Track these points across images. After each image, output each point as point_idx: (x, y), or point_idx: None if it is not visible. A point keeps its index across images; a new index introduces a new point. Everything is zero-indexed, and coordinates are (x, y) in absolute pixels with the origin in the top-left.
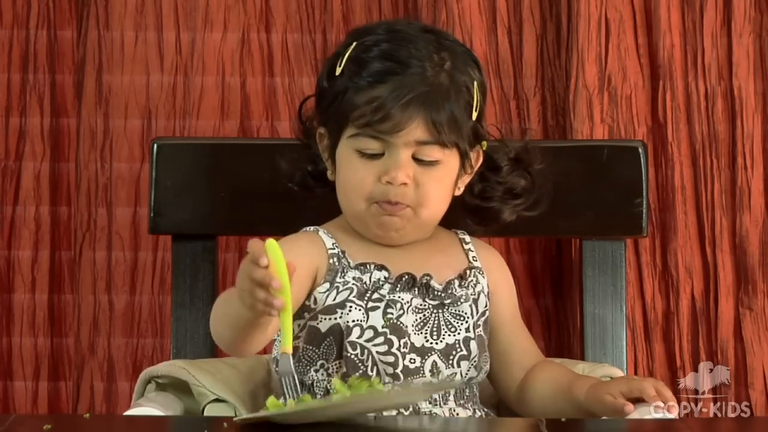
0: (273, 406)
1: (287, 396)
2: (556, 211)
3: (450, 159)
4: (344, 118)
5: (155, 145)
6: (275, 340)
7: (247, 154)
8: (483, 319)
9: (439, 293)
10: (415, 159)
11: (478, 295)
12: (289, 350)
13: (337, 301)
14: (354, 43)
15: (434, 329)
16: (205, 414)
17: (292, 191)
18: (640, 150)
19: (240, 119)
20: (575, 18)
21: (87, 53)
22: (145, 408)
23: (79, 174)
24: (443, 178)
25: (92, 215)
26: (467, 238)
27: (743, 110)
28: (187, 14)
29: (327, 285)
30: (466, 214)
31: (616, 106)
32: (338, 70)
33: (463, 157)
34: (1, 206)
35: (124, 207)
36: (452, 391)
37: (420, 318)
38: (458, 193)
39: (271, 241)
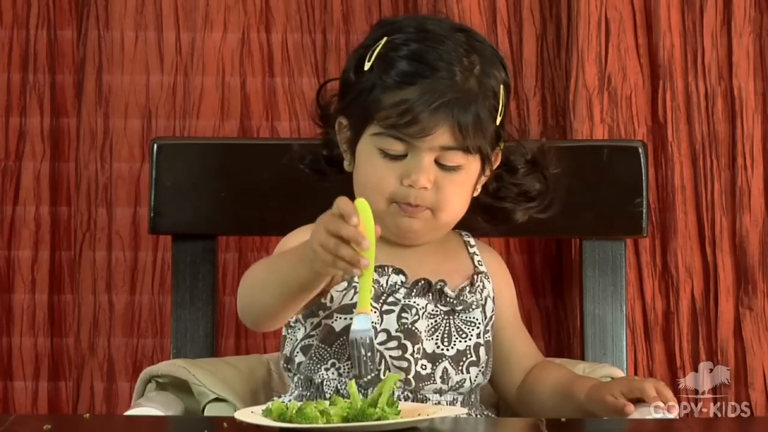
0: (277, 409)
1: (359, 362)
2: (557, 211)
3: (472, 164)
4: (369, 116)
5: (155, 145)
6: (284, 337)
7: (247, 154)
8: (490, 323)
9: (452, 300)
10: (438, 163)
11: (486, 300)
12: (368, 310)
13: (354, 301)
14: (384, 39)
15: (445, 335)
16: (206, 413)
17: (292, 190)
18: (640, 150)
19: (240, 119)
20: (575, 18)
21: (87, 53)
22: (145, 408)
23: (79, 174)
24: (464, 183)
25: (92, 215)
26: (471, 240)
27: (743, 110)
28: (187, 14)
29: (345, 284)
30: (477, 212)
31: (616, 106)
32: (367, 65)
33: (485, 161)
34: (1, 206)
35: (124, 207)
36: (459, 398)
37: (431, 323)
38: (476, 194)
39: (362, 200)
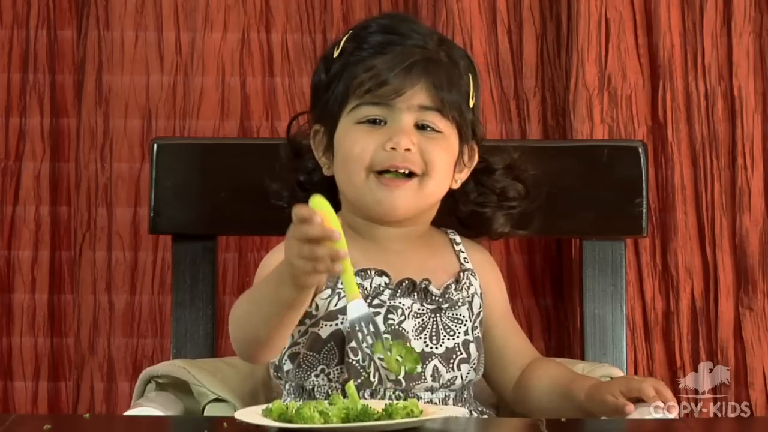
0: (277, 409)
1: (365, 343)
2: (556, 211)
3: (451, 135)
4: (345, 93)
5: (155, 145)
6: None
7: (247, 154)
8: (479, 320)
9: (437, 298)
10: (418, 127)
11: (472, 297)
12: (358, 295)
13: (339, 306)
14: (350, 31)
15: (433, 334)
16: (205, 413)
17: None
18: (640, 150)
19: (240, 119)
20: (575, 18)
21: (87, 53)
22: (145, 408)
23: (79, 174)
24: (447, 150)
25: (92, 215)
26: (458, 238)
27: (743, 110)
28: (187, 14)
29: (329, 291)
30: (458, 224)
31: (616, 106)
32: (336, 53)
33: (462, 140)
34: (1, 206)
35: (124, 207)
36: (452, 395)
37: (418, 323)
38: (455, 186)
39: (316, 197)
